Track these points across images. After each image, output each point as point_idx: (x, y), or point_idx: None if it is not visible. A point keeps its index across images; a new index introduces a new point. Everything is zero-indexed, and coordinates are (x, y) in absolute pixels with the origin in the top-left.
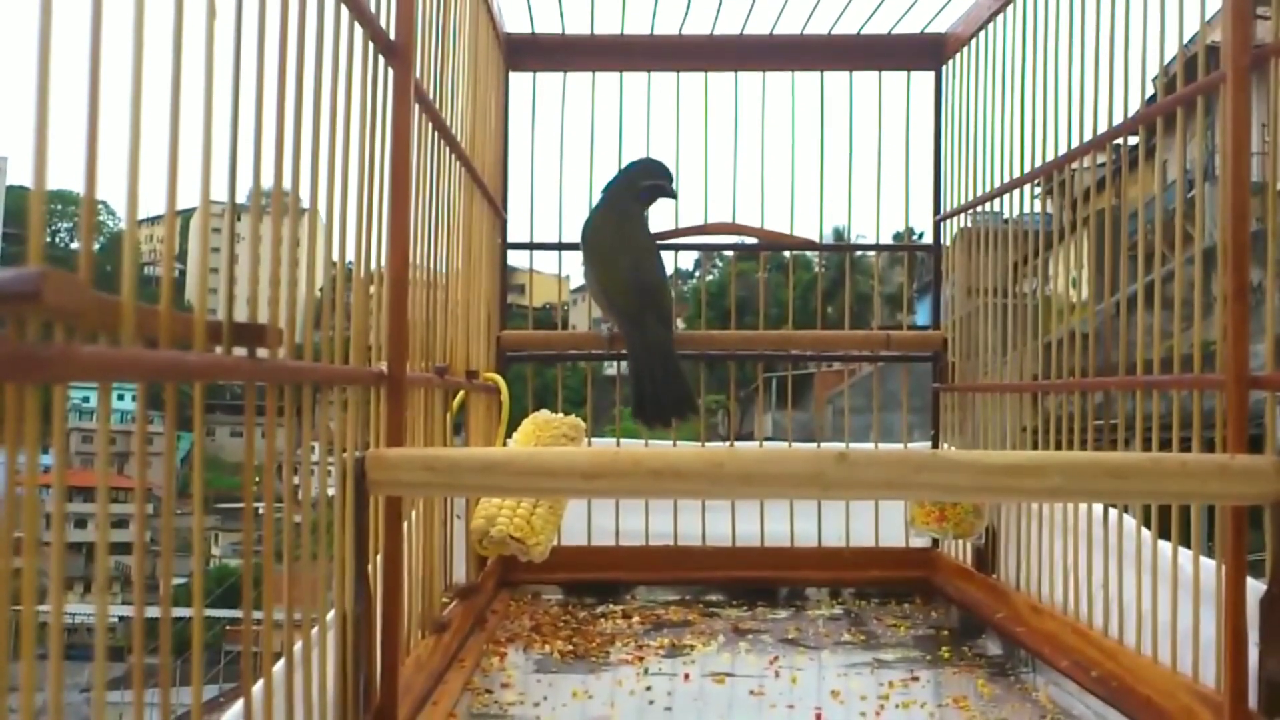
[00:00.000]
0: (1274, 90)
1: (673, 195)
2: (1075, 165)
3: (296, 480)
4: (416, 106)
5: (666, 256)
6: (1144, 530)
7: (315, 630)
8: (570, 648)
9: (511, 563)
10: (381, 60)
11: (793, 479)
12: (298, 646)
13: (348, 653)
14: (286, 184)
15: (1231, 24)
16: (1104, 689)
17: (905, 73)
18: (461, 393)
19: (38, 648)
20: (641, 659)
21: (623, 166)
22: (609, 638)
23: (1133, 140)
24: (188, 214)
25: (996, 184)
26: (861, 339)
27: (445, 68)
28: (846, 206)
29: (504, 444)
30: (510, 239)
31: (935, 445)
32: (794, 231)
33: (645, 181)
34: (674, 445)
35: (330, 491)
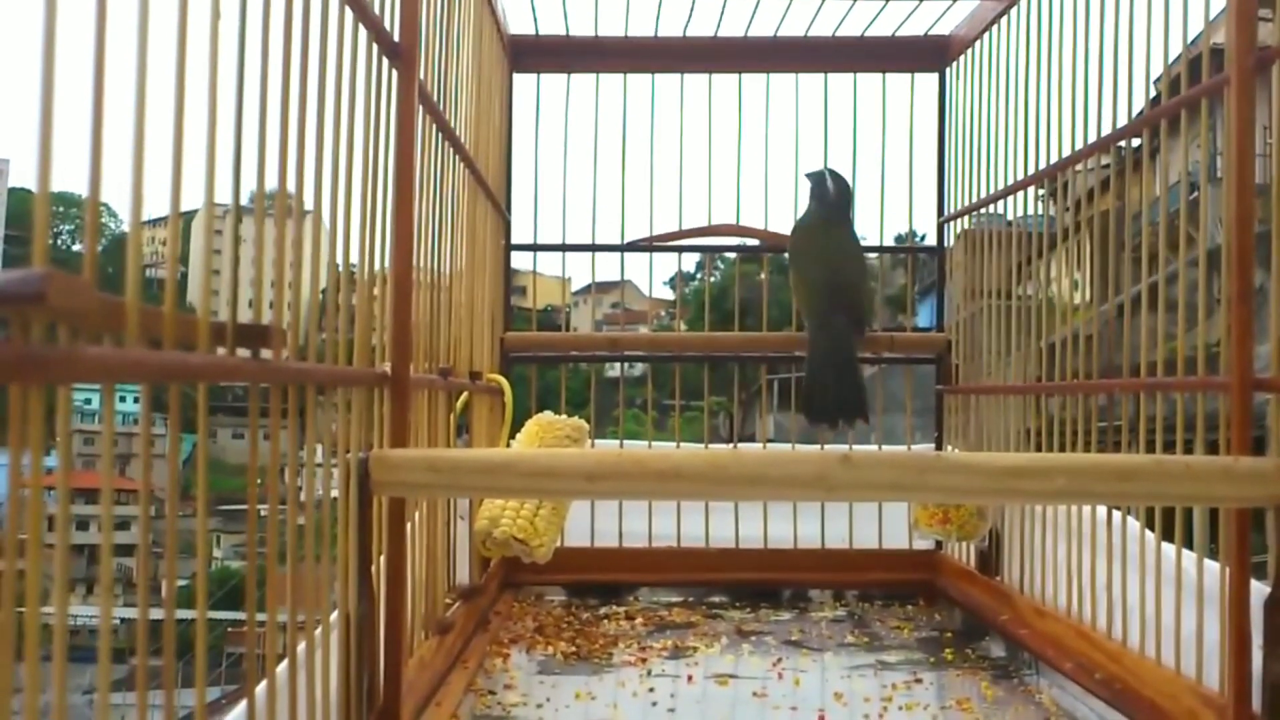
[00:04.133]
0: (1276, 93)
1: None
2: (1078, 167)
3: (300, 482)
4: (420, 108)
5: (670, 258)
6: (1147, 533)
7: (318, 631)
8: (573, 649)
9: (515, 564)
10: (385, 62)
11: (797, 481)
12: (301, 647)
13: (351, 653)
14: (290, 186)
15: (1236, 26)
16: (1107, 691)
17: (909, 75)
18: (465, 394)
19: (41, 649)
20: (645, 660)
21: (813, 173)
22: (612, 639)
23: (1136, 143)
24: (190, 216)
25: (1000, 186)
26: (865, 341)
27: (449, 69)
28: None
29: (507, 445)
30: (514, 240)
31: (939, 447)
32: None
33: (839, 186)
34: (678, 447)
35: (334, 494)
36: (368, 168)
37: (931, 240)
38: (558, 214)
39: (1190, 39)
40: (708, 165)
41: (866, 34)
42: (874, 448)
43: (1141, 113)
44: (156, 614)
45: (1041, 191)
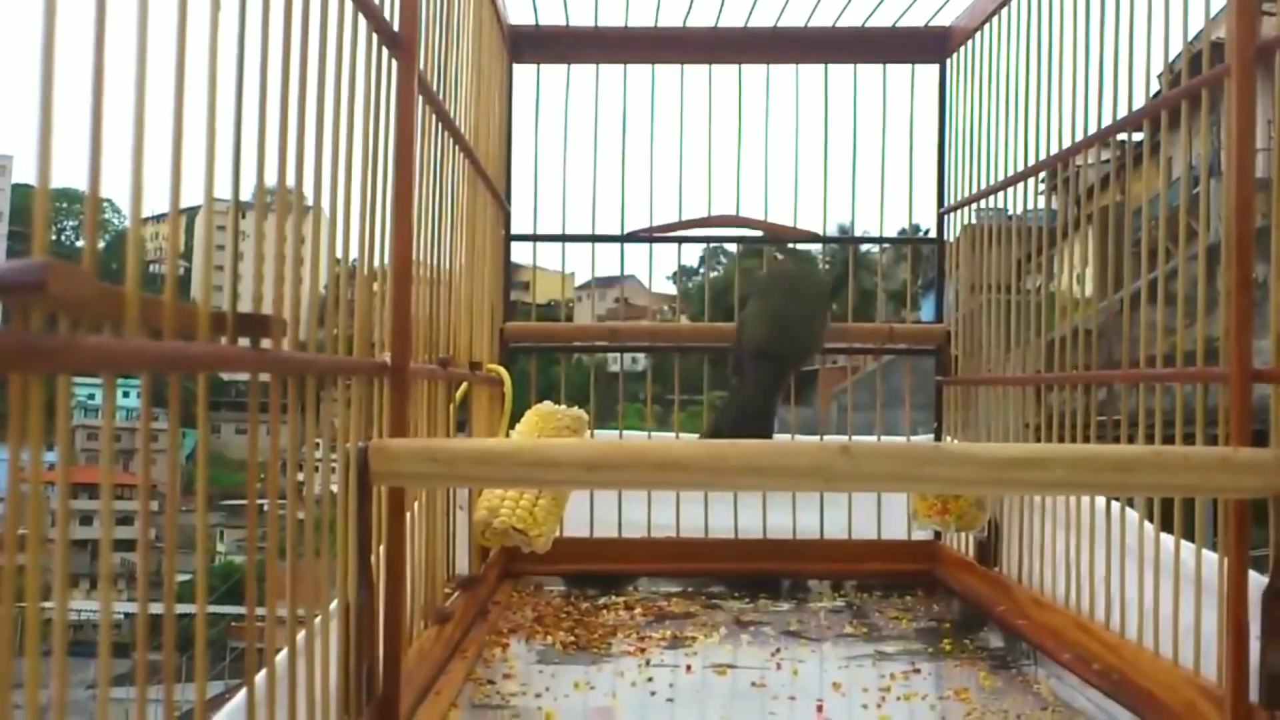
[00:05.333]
0: (1278, 85)
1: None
2: (1079, 160)
3: (301, 476)
4: (420, 99)
5: (670, 251)
6: (1146, 524)
7: (318, 620)
8: (572, 639)
9: (514, 554)
10: (385, 52)
11: (796, 471)
12: (300, 636)
13: (350, 643)
14: (291, 178)
15: (1237, 15)
16: (1106, 682)
17: (910, 66)
18: (465, 384)
19: (42, 644)
20: (644, 650)
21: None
22: (611, 629)
23: (1137, 136)
24: (192, 211)
25: (1001, 178)
26: (866, 331)
27: (449, 60)
28: (850, 200)
29: (507, 435)
30: (514, 231)
31: (938, 439)
32: (797, 226)
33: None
34: (677, 437)
35: (334, 487)
36: (367, 158)
37: (933, 233)
38: (558, 205)
39: (1191, 35)
40: (708, 156)
41: (867, 25)
42: (873, 439)
43: (1144, 107)
44: (157, 609)
45: (1042, 186)
